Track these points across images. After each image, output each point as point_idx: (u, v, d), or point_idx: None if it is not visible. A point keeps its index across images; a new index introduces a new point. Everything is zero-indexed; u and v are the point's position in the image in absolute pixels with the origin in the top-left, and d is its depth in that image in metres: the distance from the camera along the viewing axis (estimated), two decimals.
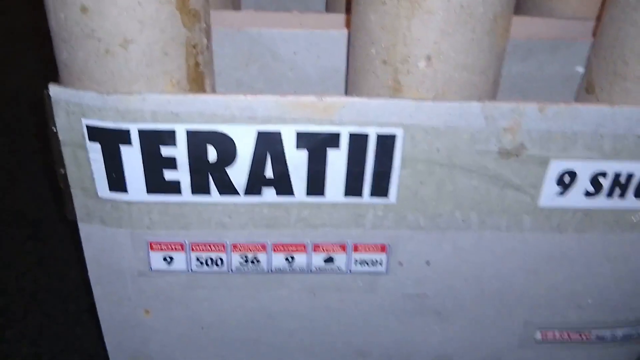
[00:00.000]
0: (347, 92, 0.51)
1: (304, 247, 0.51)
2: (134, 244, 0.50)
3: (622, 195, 0.49)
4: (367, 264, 0.53)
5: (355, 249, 0.52)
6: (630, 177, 0.48)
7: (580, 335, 0.58)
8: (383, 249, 0.52)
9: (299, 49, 0.56)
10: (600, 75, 0.51)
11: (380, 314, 0.56)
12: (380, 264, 0.52)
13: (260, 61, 0.56)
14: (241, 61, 0.55)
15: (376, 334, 0.58)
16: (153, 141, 0.44)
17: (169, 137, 0.43)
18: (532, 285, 0.54)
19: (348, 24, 0.55)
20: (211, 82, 0.48)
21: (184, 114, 0.42)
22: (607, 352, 0.60)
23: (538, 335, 0.58)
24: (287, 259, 0.52)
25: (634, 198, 0.49)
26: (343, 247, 0.52)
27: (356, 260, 0.52)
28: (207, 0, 0.45)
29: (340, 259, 0.52)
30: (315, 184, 0.47)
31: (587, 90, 0.54)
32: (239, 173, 0.46)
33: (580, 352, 0.60)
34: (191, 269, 0.52)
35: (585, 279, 0.54)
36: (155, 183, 0.46)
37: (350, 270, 0.53)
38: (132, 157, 0.45)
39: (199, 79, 0.47)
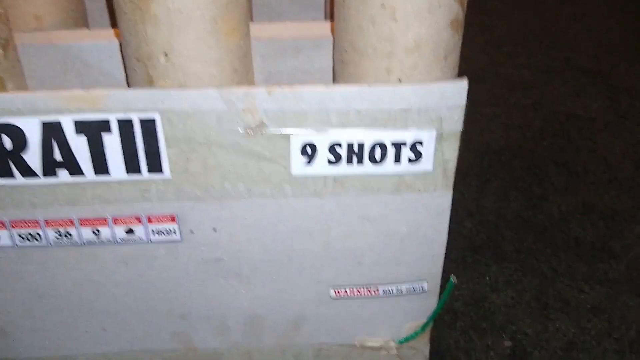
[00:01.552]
0: (129, 86, 0.63)
1: (105, 220, 0.62)
2: None
3: (360, 161, 0.60)
4: (163, 233, 0.64)
5: (150, 220, 0.63)
6: (361, 146, 0.59)
7: (369, 290, 0.69)
8: (173, 219, 0.63)
9: (104, 57, 0.68)
10: (336, 63, 0.62)
11: (186, 278, 0.67)
12: (175, 232, 0.63)
13: (75, 70, 0.68)
14: (59, 70, 0.67)
15: (189, 298, 0.68)
16: None
17: None
18: (310, 246, 0.65)
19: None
20: (16, 85, 0.60)
21: None
22: (399, 306, 0.71)
23: (332, 293, 0.69)
24: (94, 232, 0.63)
25: (370, 164, 0.60)
26: (139, 219, 0.63)
27: (153, 231, 0.63)
28: (5, 17, 0.57)
29: (139, 230, 0.63)
30: (99, 165, 0.58)
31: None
32: (33, 158, 0.58)
33: (374, 307, 0.70)
34: (16, 245, 0.63)
35: (355, 239, 0.65)
36: None
37: (150, 240, 0.64)
38: None
39: None
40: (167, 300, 0.69)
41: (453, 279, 0.67)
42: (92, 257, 0.65)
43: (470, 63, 1.53)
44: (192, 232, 0.64)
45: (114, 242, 0.64)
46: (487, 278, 0.96)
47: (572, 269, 0.97)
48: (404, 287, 0.69)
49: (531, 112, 1.40)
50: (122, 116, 0.56)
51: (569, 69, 1.60)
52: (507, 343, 0.86)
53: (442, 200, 0.63)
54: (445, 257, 1.00)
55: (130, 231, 0.63)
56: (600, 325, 0.88)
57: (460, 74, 0.61)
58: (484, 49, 1.70)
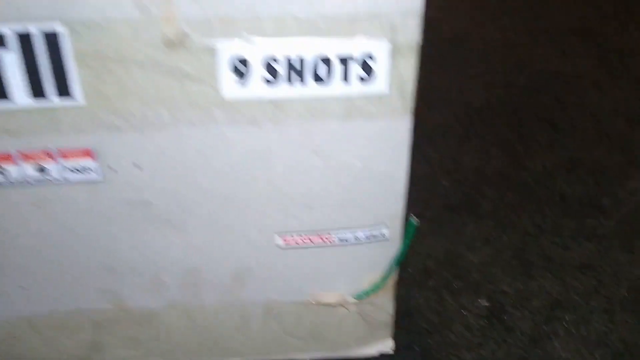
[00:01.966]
0: None
1: (11, 157, 0.54)
2: None
3: (302, 81, 0.52)
4: (80, 171, 0.55)
5: (63, 155, 0.54)
6: (302, 61, 0.51)
7: (321, 238, 0.61)
8: (89, 154, 0.54)
9: None
10: None
11: (110, 224, 0.58)
12: (93, 170, 0.55)
13: None
14: None
15: (116, 248, 0.60)
16: None
17: None
18: (250, 185, 0.57)
19: None
20: None
21: None
22: (357, 257, 0.63)
23: (279, 241, 0.61)
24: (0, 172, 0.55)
25: (315, 84, 0.52)
26: (50, 155, 0.54)
27: (68, 168, 0.55)
28: None
29: (52, 167, 0.55)
30: None
31: None
32: None
33: (328, 257, 0.62)
34: None
35: (302, 176, 0.57)
36: None
37: (66, 179, 0.55)
38: None
39: None
40: (91, 251, 0.61)
41: (414, 219, 0.59)
42: (3, 202, 0.57)
43: (453, 25, 1.45)
44: (112, 169, 0.55)
45: (24, 182, 0.55)
46: (464, 236, 0.88)
47: (557, 226, 0.90)
48: (361, 234, 0.61)
49: (515, 71, 1.32)
50: (19, 28, 0.48)
51: (555, 29, 1.52)
52: (484, 302, 0.78)
53: (400, 128, 0.55)
54: (419, 217, 0.92)
55: (41, 169, 0.55)
56: (588, 282, 0.81)
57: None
58: (467, 11, 1.61)
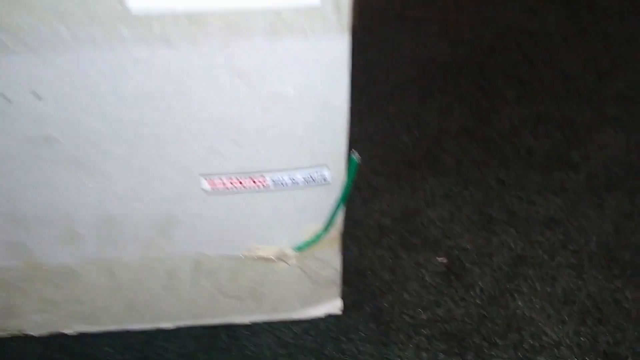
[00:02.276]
0: None
1: None
2: None
3: None
4: None
5: None
6: None
7: (253, 180, 0.54)
8: None
9: None
10: None
11: (11, 165, 0.51)
12: None
13: None
14: None
15: (19, 193, 0.53)
16: None
17: None
18: (166, 117, 0.50)
19: None
20: None
21: None
22: (295, 203, 0.56)
23: (205, 184, 0.54)
24: None
25: None
26: None
27: None
28: None
29: None
30: None
31: None
32: None
33: (263, 204, 0.56)
34: None
35: (225, 106, 0.50)
36: None
37: None
38: None
39: None
40: None
41: (355, 155, 0.53)
42: None
43: None
44: (5, 98, 0.48)
45: None
46: (423, 192, 0.82)
47: (522, 180, 0.84)
48: (299, 176, 0.54)
49: (481, 28, 1.26)
50: None
51: None
52: (442, 259, 0.72)
53: (336, 48, 0.48)
54: (376, 174, 0.86)
55: None
56: (554, 238, 0.75)
57: None
58: None
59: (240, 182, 0.54)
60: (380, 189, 0.82)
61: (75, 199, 0.54)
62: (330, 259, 0.62)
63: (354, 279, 0.70)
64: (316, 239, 0.58)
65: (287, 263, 0.60)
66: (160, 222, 0.56)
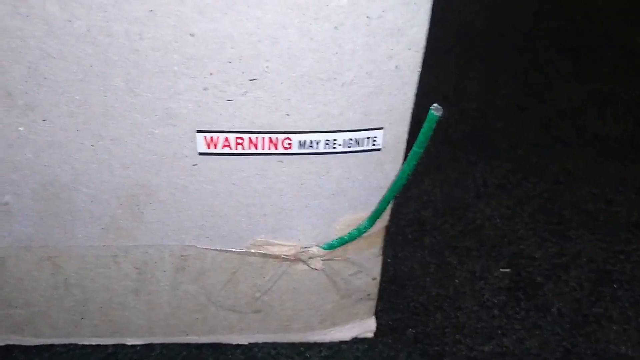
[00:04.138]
0: None
1: None
2: None
3: None
4: None
5: None
6: None
7: (272, 142, 0.36)
8: None
9: None
10: None
11: None
12: None
13: None
14: None
15: None
16: None
17: None
18: (143, 28, 0.32)
19: None
20: None
21: None
22: (328, 181, 0.38)
23: (202, 144, 0.36)
24: None
25: None
26: None
27: None
28: None
29: None
30: None
31: None
32: None
33: (282, 177, 0.38)
34: None
35: (236, 13, 0.32)
36: None
37: None
38: None
39: None
40: None
41: (435, 109, 0.35)
42: None
43: None
44: None
45: None
46: (472, 179, 0.65)
47: (594, 173, 0.67)
48: (337, 137, 0.37)
49: None
50: None
51: None
52: (504, 269, 0.55)
53: None
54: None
55: None
56: None
57: None
58: None
59: (251, 142, 0.36)
60: (417, 174, 0.65)
61: (9, 155, 0.36)
62: (368, 264, 0.44)
63: (390, 291, 0.53)
64: (356, 235, 0.41)
65: (309, 266, 0.42)
66: (129, 195, 0.38)
